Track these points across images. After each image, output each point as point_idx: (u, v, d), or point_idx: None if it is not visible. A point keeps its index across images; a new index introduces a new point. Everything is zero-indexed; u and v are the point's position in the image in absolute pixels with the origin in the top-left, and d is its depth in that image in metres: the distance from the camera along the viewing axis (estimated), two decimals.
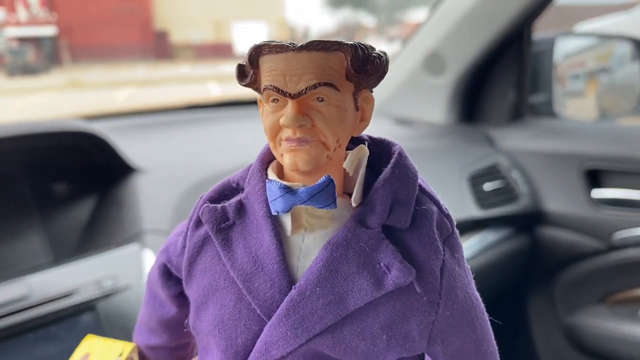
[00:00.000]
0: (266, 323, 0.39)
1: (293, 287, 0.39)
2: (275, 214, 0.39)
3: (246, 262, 0.40)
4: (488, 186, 1.40)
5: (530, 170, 1.49)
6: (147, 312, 0.53)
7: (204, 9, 24.21)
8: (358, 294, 0.38)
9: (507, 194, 1.43)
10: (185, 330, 0.50)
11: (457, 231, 0.43)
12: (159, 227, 0.94)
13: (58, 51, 20.35)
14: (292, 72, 0.36)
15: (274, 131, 0.38)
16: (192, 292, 0.44)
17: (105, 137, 1.04)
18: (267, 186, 0.40)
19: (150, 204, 1.00)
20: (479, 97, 1.68)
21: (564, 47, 1.80)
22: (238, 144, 1.23)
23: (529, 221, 1.47)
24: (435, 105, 1.67)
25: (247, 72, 0.39)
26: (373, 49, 0.38)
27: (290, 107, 0.37)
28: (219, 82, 11.16)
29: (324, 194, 0.38)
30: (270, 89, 0.37)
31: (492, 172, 1.44)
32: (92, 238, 1.02)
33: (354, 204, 0.40)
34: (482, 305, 0.43)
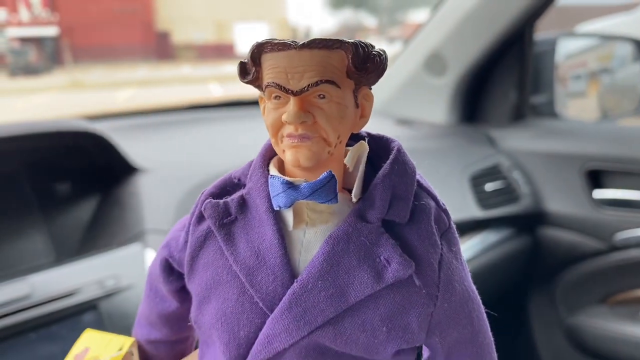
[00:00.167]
0: (268, 316, 0.40)
1: (295, 280, 0.40)
2: (278, 209, 0.40)
3: (249, 257, 0.41)
4: (489, 186, 1.40)
5: (531, 170, 1.49)
6: (147, 307, 0.54)
7: (206, 9, 24.22)
8: (359, 287, 0.39)
9: (508, 194, 1.43)
10: (185, 324, 0.51)
11: (454, 225, 0.43)
12: (160, 227, 0.94)
13: (60, 51, 20.37)
14: (294, 70, 0.37)
15: (276, 128, 0.39)
16: (194, 286, 0.44)
17: (107, 137, 1.05)
18: (269, 182, 0.40)
19: (152, 204, 1.00)
20: (481, 98, 1.68)
21: (565, 48, 1.80)
22: (239, 144, 1.24)
23: (530, 221, 1.47)
24: (436, 106, 1.68)
25: (249, 70, 0.39)
26: (373, 47, 0.38)
27: (292, 104, 0.37)
28: (221, 82, 11.17)
29: (326, 189, 0.38)
30: (272, 86, 0.38)
31: (493, 173, 1.44)
32: (94, 238, 1.02)
33: (354, 199, 0.41)
34: (479, 297, 0.44)
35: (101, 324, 0.80)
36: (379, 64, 0.39)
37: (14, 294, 0.78)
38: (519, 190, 1.45)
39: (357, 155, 0.42)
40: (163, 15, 23.83)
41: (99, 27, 21.42)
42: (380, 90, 1.68)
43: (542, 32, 1.67)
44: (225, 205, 0.43)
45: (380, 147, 0.44)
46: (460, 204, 1.30)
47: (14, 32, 19.74)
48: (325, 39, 0.37)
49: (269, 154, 0.44)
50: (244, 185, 0.44)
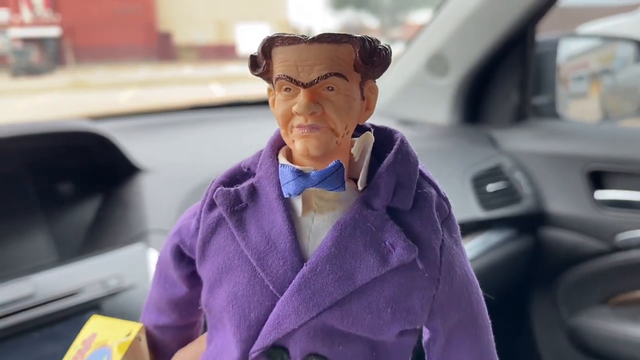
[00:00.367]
0: (278, 298, 0.41)
1: (304, 264, 0.41)
2: (287, 196, 0.42)
3: (260, 242, 0.42)
4: (491, 187, 1.40)
5: (533, 171, 1.49)
6: (157, 292, 0.55)
7: (207, 10, 24.25)
8: (365, 270, 0.40)
9: (510, 195, 1.43)
10: (194, 309, 0.53)
11: (454, 213, 0.45)
12: (163, 227, 0.94)
13: (62, 52, 20.40)
14: (304, 63, 0.38)
15: (286, 118, 0.40)
16: (205, 271, 0.46)
17: (109, 137, 1.05)
18: (280, 170, 0.42)
19: (154, 204, 1.00)
20: (482, 98, 1.68)
21: (567, 49, 1.80)
22: (241, 144, 1.24)
23: (532, 222, 1.47)
24: (438, 107, 1.68)
25: (260, 63, 0.41)
26: (379, 41, 0.40)
27: (302, 96, 0.39)
28: (222, 83, 11.18)
29: (334, 178, 0.40)
30: (283, 78, 0.39)
31: (495, 173, 1.44)
32: (97, 238, 1.02)
33: (360, 188, 0.42)
34: (477, 282, 0.46)
35: None
36: (385, 58, 0.40)
37: (18, 293, 0.78)
38: (521, 191, 1.45)
39: (363, 146, 0.43)
40: (165, 16, 23.87)
41: (100, 27, 21.45)
42: (383, 90, 1.69)
43: (544, 33, 1.67)
44: (236, 193, 0.44)
45: (384, 138, 0.45)
46: (462, 205, 1.30)
47: (16, 32, 19.78)
48: (334, 34, 0.38)
49: (277, 144, 0.45)
50: (254, 174, 0.46)
